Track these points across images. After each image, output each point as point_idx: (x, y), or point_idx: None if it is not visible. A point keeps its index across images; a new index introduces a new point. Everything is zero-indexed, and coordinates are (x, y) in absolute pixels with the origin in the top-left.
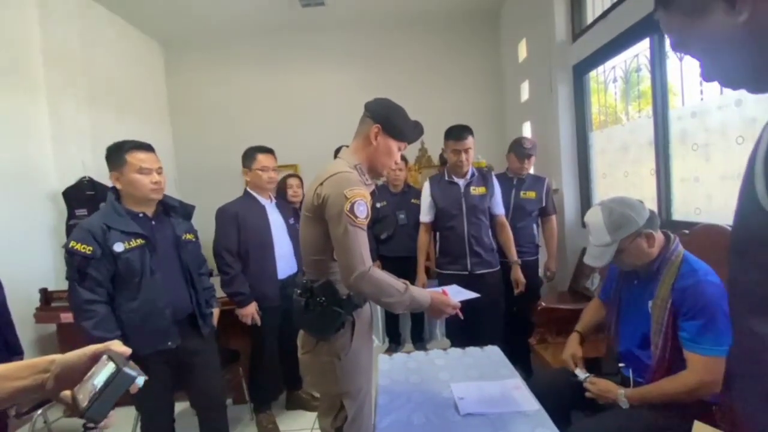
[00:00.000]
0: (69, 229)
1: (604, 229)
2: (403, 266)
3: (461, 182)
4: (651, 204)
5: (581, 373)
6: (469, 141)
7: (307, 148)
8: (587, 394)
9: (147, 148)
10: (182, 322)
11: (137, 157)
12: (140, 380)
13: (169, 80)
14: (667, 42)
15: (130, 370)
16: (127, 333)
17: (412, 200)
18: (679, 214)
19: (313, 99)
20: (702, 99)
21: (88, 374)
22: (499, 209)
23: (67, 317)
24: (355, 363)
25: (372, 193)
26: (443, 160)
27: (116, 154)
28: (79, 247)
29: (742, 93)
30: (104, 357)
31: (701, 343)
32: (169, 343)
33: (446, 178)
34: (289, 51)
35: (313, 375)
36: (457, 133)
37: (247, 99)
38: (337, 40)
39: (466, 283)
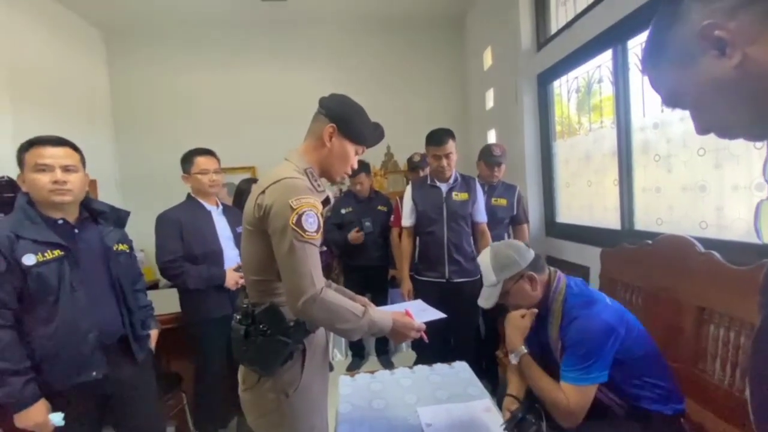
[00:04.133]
0: None
1: (491, 269)
2: (368, 276)
3: (443, 186)
4: (614, 213)
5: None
6: (450, 145)
7: (265, 149)
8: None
9: (55, 142)
10: (111, 348)
11: (35, 153)
12: (56, 418)
13: (112, 73)
14: (632, 54)
15: None
16: (41, 363)
17: (379, 207)
18: (641, 224)
19: (272, 98)
20: (663, 111)
21: None
22: (482, 217)
23: None
24: (307, 399)
25: (325, 201)
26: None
27: (19, 153)
28: None
29: None
30: None
31: (565, 370)
32: (94, 374)
33: (429, 182)
34: (248, 47)
35: (256, 415)
36: (437, 138)
37: (202, 96)
38: (300, 38)
39: (441, 290)
